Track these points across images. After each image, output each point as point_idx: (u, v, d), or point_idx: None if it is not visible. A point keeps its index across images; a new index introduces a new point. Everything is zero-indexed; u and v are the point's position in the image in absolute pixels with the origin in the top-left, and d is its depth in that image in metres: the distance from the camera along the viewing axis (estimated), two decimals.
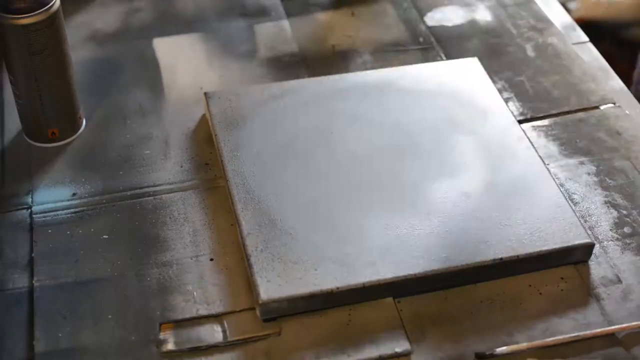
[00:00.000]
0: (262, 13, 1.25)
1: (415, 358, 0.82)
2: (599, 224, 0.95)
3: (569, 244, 0.89)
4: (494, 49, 1.18)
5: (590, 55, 1.18)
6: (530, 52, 1.18)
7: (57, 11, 0.96)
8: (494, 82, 1.11)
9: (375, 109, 1.04)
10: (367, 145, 0.99)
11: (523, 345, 0.83)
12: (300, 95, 1.06)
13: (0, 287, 0.88)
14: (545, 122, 1.07)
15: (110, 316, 0.85)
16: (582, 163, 1.01)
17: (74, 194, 0.98)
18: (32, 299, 0.87)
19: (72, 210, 0.96)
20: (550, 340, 0.83)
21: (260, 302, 0.84)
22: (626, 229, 0.94)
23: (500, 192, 0.94)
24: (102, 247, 0.92)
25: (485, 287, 0.88)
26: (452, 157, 0.98)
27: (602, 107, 1.09)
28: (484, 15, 1.24)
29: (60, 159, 1.02)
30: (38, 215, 0.95)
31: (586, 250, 0.90)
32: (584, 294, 0.88)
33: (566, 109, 1.09)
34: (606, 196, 0.98)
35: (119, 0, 1.26)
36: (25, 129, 1.04)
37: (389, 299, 0.87)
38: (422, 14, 1.25)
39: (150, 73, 1.14)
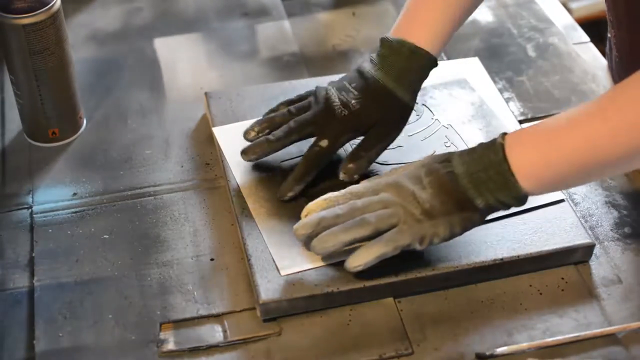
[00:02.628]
0: (263, 13, 1.25)
1: (415, 358, 0.82)
2: (599, 224, 0.95)
3: (570, 244, 0.89)
4: (495, 49, 1.18)
5: (591, 55, 1.18)
6: (531, 52, 1.18)
7: (57, 11, 0.96)
8: (494, 82, 1.11)
9: None
10: None
11: (523, 345, 0.83)
12: None
13: (0, 287, 0.88)
14: None
15: (110, 316, 0.85)
16: None
17: (74, 194, 0.98)
18: (33, 299, 0.87)
19: (73, 210, 0.96)
20: (550, 340, 0.83)
21: (260, 302, 0.84)
22: (627, 229, 0.94)
23: None
24: (102, 247, 0.92)
25: (485, 287, 0.88)
26: None
27: None
28: (484, 15, 1.24)
29: (61, 159, 1.02)
30: (38, 215, 0.95)
31: (587, 250, 0.90)
32: (585, 294, 0.88)
33: (567, 109, 1.09)
34: (607, 196, 0.97)
35: (120, 0, 1.26)
36: (26, 128, 1.04)
37: (389, 299, 0.87)
38: None
39: (150, 73, 1.14)
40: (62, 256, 0.91)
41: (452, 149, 0.98)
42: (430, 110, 1.03)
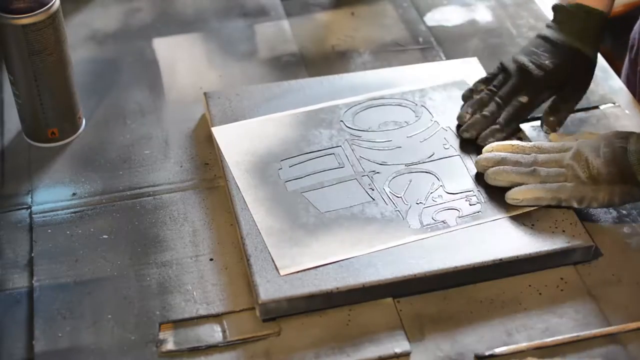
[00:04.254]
0: (262, 13, 1.25)
1: (415, 358, 0.82)
2: (599, 224, 0.95)
3: (569, 245, 0.89)
4: (494, 49, 1.18)
5: None
6: None
7: (56, 11, 0.96)
8: None
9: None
10: (368, 145, 0.99)
11: (523, 345, 0.83)
12: (300, 95, 1.06)
13: (0, 287, 0.88)
14: None
15: (109, 316, 0.85)
16: None
17: (73, 194, 0.98)
18: (32, 299, 0.87)
19: (72, 210, 0.96)
20: (550, 340, 0.83)
21: (259, 302, 0.84)
22: (626, 229, 0.94)
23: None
24: (101, 247, 0.92)
25: (485, 287, 0.88)
26: (451, 157, 0.98)
27: (602, 107, 1.09)
28: (483, 15, 1.24)
29: (60, 159, 1.02)
30: (38, 215, 0.95)
31: (586, 250, 0.90)
32: (584, 294, 0.88)
33: None
34: None
35: (119, 0, 1.26)
36: (25, 129, 1.04)
37: (389, 299, 0.87)
38: (422, 14, 1.25)
39: (150, 73, 1.14)
40: (62, 256, 0.91)
41: (450, 151, 0.99)
42: (430, 112, 1.03)
